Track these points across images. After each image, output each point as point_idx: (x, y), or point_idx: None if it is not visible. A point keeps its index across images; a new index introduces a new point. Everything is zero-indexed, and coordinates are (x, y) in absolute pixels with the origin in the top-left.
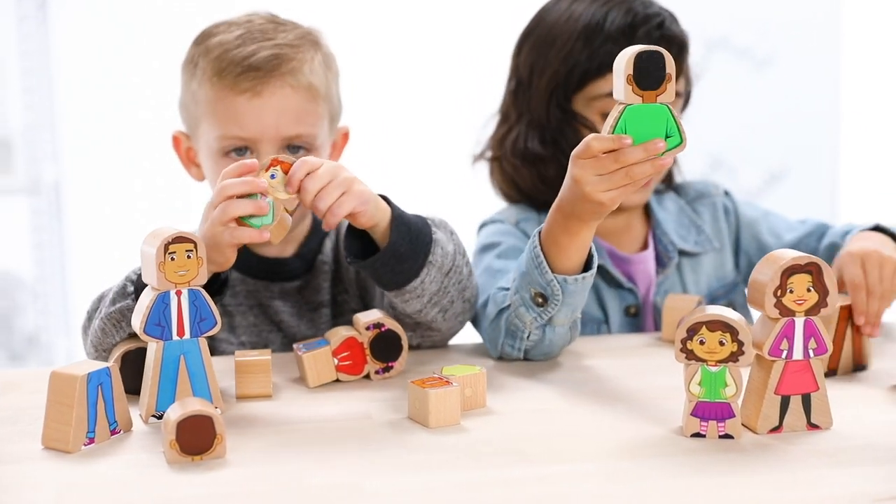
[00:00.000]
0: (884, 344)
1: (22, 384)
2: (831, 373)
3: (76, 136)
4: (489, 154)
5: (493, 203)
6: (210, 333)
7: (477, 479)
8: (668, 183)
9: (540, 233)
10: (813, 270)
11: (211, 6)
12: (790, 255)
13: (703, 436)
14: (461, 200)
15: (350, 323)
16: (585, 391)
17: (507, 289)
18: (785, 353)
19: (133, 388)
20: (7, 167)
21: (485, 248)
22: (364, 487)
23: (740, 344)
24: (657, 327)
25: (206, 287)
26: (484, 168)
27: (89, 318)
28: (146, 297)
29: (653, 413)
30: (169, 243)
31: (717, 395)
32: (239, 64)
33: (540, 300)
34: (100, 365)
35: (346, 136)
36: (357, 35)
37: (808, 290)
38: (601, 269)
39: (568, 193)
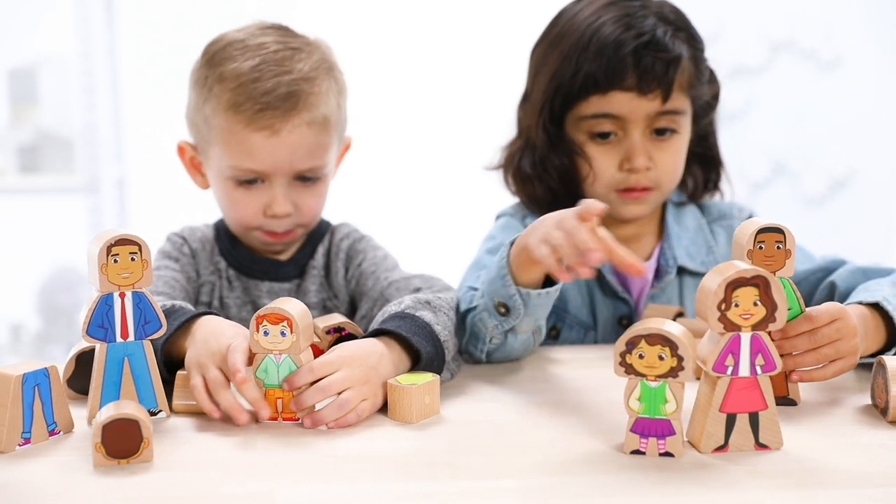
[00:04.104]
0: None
1: None
2: None
3: (139, 136)
4: (498, 163)
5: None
6: (154, 336)
7: (392, 491)
8: (693, 196)
9: (512, 243)
10: (760, 284)
11: (275, 8)
12: (736, 267)
13: (644, 453)
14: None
15: None
16: (544, 402)
17: (476, 289)
18: (730, 369)
19: (86, 388)
20: (68, 167)
21: (485, 239)
22: (276, 497)
23: (680, 359)
24: None
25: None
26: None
27: None
28: (90, 299)
29: (604, 428)
30: (112, 245)
31: (656, 412)
32: (257, 101)
33: (502, 310)
34: (38, 365)
35: (348, 145)
36: (375, 39)
37: (755, 305)
38: (598, 275)
39: None
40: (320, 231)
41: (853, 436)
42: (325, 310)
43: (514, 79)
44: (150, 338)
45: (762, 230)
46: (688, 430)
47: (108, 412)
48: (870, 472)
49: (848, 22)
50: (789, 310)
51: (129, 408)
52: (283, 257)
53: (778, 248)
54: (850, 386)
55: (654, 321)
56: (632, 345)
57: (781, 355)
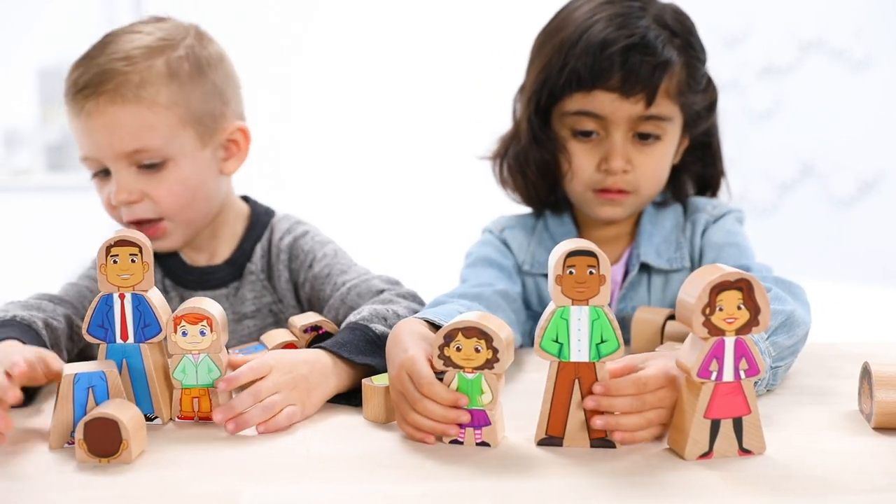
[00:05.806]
0: (847, 364)
1: None
2: (552, 440)
3: None
4: (491, 153)
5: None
6: (154, 340)
7: (361, 492)
8: (677, 196)
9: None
10: (744, 287)
11: (301, 10)
12: (720, 271)
13: (462, 442)
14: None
15: None
16: (518, 405)
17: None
18: (714, 374)
19: None
20: None
21: (466, 256)
22: (240, 497)
23: (495, 351)
24: None
25: None
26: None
27: None
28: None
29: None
30: (111, 246)
31: (473, 403)
32: (74, 83)
33: None
34: (95, 367)
35: (244, 132)
36: (380, 33)
37: (739, 308)
38: None
39: None
40: (259, 227)
41: (837, 441)
42: (272, 314)
43: (506, 75)
44: (149, 341)
45: (572, 253)
46: (670, 436)
47: (95, 411)
48: (852, 479)
49: (878, 22)
50: (604, 342)
51: (111, 407)
52: (218, 260)
53: (591, 273)
54: (840, 391)
55: (471, 315)
56: (449, 338)
57: (601, 412)
